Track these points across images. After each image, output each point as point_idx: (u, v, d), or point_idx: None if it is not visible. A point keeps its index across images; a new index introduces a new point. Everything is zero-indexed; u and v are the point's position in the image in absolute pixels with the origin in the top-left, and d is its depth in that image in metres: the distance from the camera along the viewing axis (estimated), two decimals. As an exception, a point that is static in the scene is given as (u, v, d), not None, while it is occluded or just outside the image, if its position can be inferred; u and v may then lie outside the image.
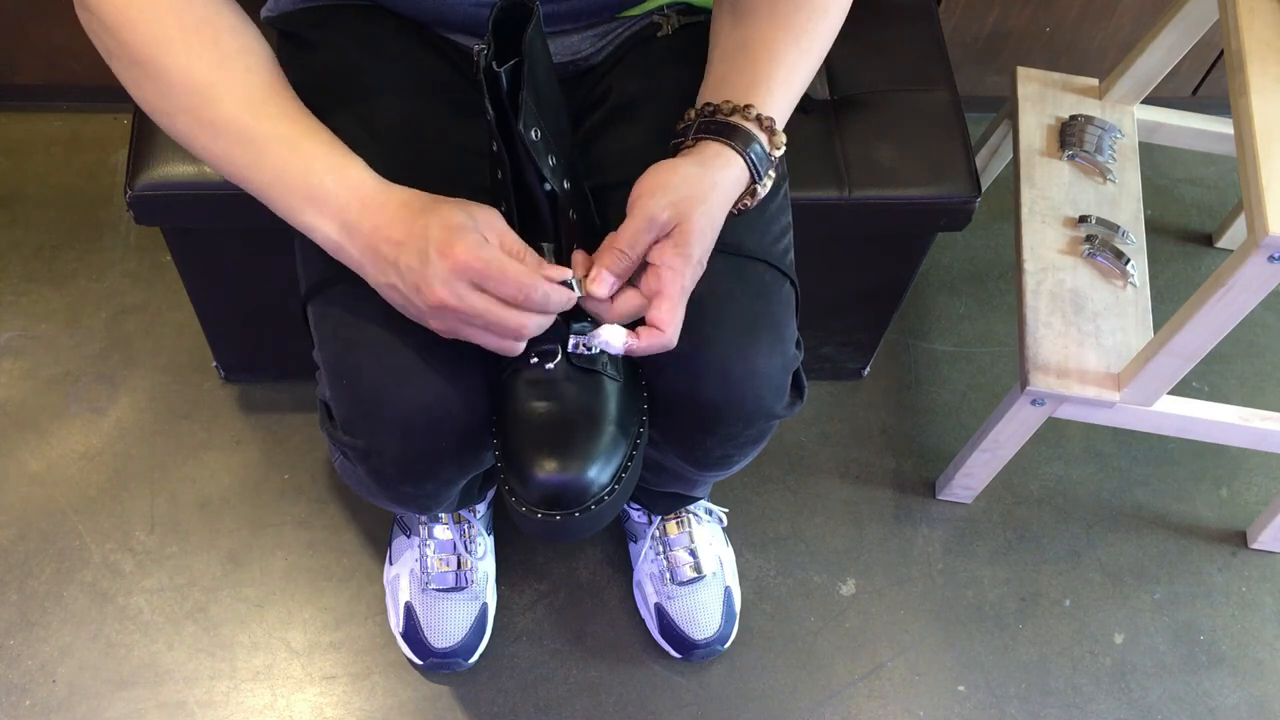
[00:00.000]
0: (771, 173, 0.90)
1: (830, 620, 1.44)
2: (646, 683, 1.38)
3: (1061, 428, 1.59)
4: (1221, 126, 1.49)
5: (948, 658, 1.43)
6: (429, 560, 1.33)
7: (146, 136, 1.18)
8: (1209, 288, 1.11)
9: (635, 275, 0.83)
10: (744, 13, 0.90)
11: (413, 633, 1.34)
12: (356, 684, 1.36)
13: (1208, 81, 1.76)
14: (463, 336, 0.81)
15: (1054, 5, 1.61)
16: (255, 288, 1.35)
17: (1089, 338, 1.30)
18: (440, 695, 1.36)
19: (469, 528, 1.34)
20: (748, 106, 0.86)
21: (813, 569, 1.47)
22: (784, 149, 0.89)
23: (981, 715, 1.40)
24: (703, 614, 1.36)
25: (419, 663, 1.35)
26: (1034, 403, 1.30)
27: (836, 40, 0.93)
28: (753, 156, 0.86)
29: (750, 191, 0.88)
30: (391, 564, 1.39)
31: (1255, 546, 1.53)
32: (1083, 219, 1.37)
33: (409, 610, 1.34)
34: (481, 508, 1.36)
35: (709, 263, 0.85)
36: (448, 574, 1.33)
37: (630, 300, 0.82)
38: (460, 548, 1.34)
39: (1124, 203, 1.40)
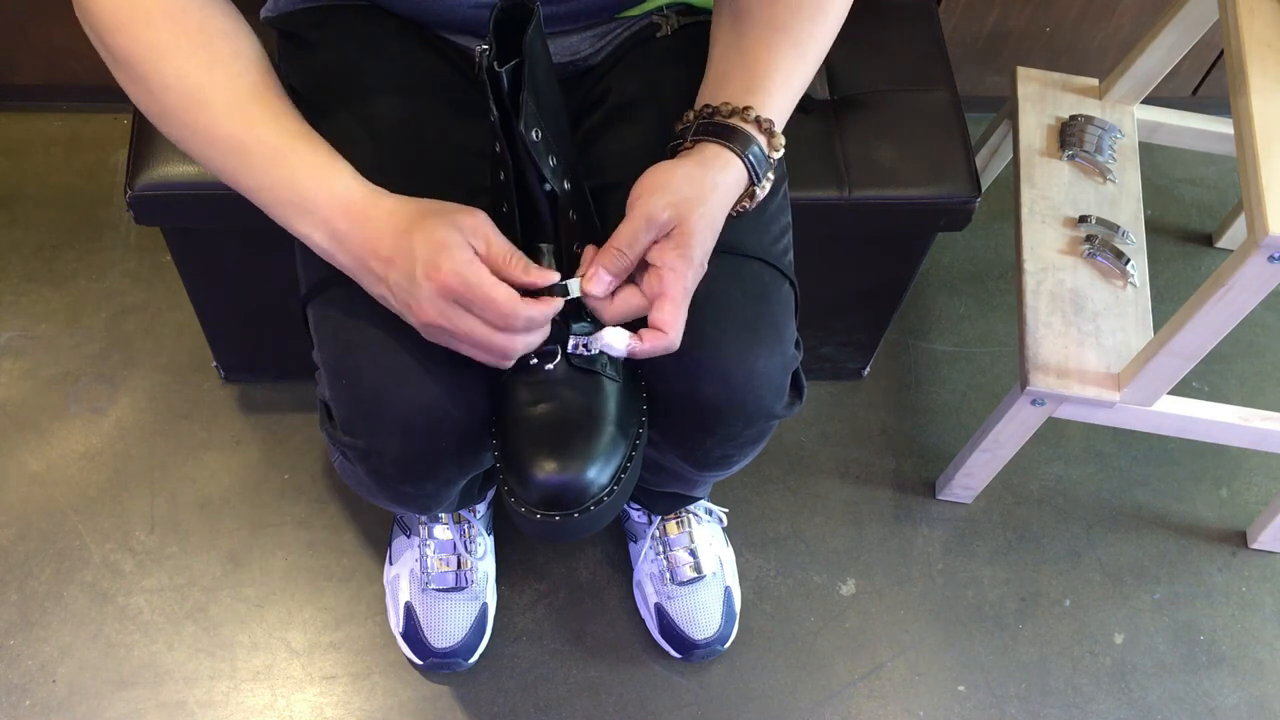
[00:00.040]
0: (770, 174, 0.90)
1: (830, 620, 1.44)
2: (646, 683, 1.38)
3: (1061, 428, 1.59)
4: (1221, 126, 1.49)
5: (948, 658, 1.43)
6: (429, 560, 1.33)
7: (146, 136, 1.18)
8: (1209, 288, 1.11)
9: (636, 276, 0.83)
10: (743, 14, 0.90)
11: (413, 633, 1.34)
12: (356, 684, 1.36)
13: (1208, 81, 1.76)
14: (455, 348, 0.81)
15: (1054, 5, 1.61)
16: (255, 288, 1.35)
17: (1089, 338, 1.30)
18: (440, 695, 1.36)
19: (469, 528, 1.34)
20: (746, 108, 0.86)
21: (813, 569, 1.47)
22: (783, 151, 0.89)
23: (981, 715, 1.40)
24: (703, 614, 1.36)
25: (419, 663, 1.35)
26: (1034, 403, 1.30)
27: (836, 40, 0.93)
28: (751, 158, 0.86)
29: (749, 193, 0.88)
30: (391, 564, 1.39)
31: (1255, 546, 1.53)
32: (1083, 219, 1.37)
33: (409, 610, 1.34)
34: (481, 508, 1.36)
35: (709, 263, 0.85)
36: (448, 574, 1.33)
37: (630, 300, 0.82)
38: (460, 548, 1.34)
39: (1124, 203, 1.40)
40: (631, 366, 0.90)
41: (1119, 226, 1.37)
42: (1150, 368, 1.22)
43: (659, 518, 1.37)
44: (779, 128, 0.88)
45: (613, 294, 0.83)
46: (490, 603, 1.38)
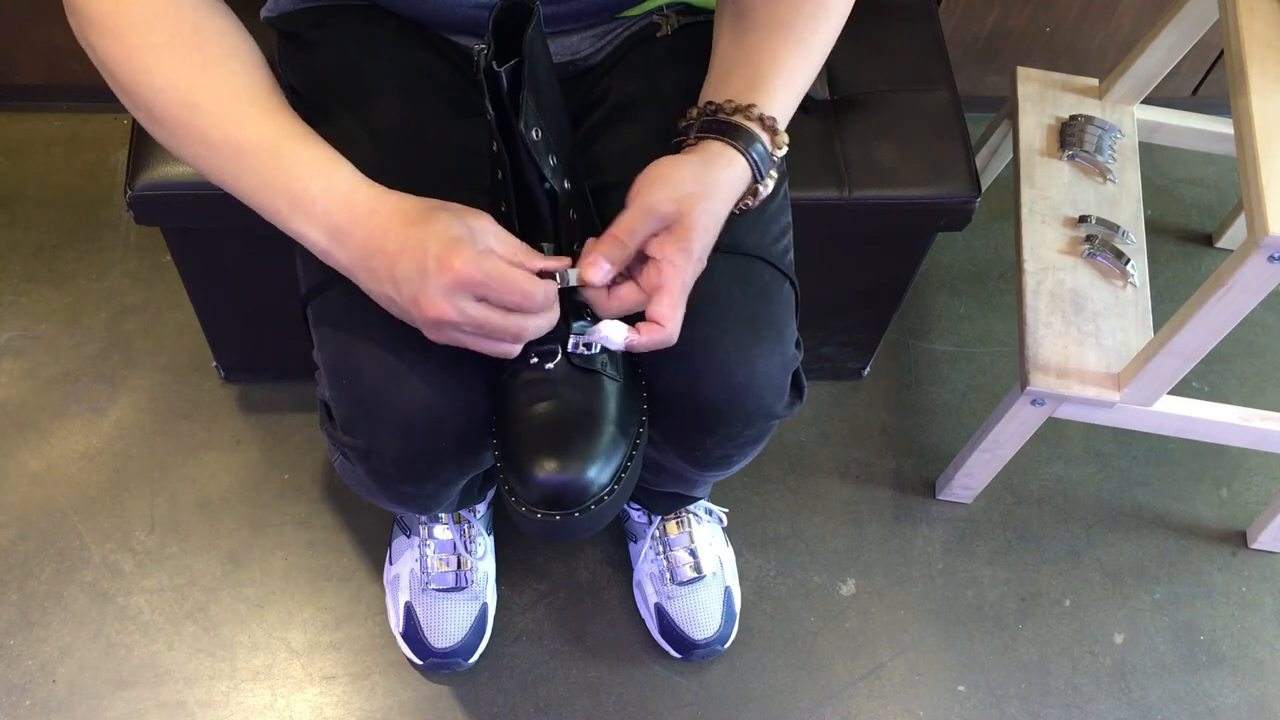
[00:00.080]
0: (774, 173, 0.90)
1: (830, 620, 1.44)
2: (646, 683, 1.38)
3: (1061, 428, 1.59)
4: (1221, 126, 1.49)
5: (948, 658, 1.43)
6: (429, 560, 1.33)
7: (147, 137, 1.17)
8: (1209, 288, 1.11)
9: (634, 271, 0.83)
10: (745, 12, 0.90)
11: (413, 633, 1.34)
12: (356, 684, 1.36)
13: (1208, 81, 1.76)
14: (458, 344, 0.80)
15: (1054, 5, 1.61)
16: (255, 288, 1.35)
17: (1089, 338, 1.30)
18: (440, 695, 1.36)
19: (469, 528, 1.34)
20: (750, 106, 0.86)
21: (813, 569, 1.47)
22: (786, 149, 0.89)
23: (981, 715, 1.40)
24: (703, 614, 1.36)
25: (419, 663, 1.35)
26: (1034, 403, 1.30)
27: (836, 40, 0.93)
28: (755, 156, 0.86)
29: (752, 191, 0.88)
30: (391, 564, 1.39)
31: (1255, 546, 1.53)
32: (1083, 219, 1.37)
33: (409, 610, 1.34)
34: (481, 508, 1.36)
35: (709, 262, 0.85)
36: (448, 574, 1.33)
37: (629, 295, 0.82)
38: (460, 548, 1.34)
39: (1124, 203, 1.40)
40: (632, 366, 0.91)
41: (1119, 226, 1.37)
42: (1150, 368, 1.22)
43: (659, 518, 1.37)
44: (782, 125, 0.88)
45: (610, 287, 0.82)
46: (490, 603, 1.38)
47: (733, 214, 0.88)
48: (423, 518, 1.33)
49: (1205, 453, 1.60)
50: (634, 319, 0.82)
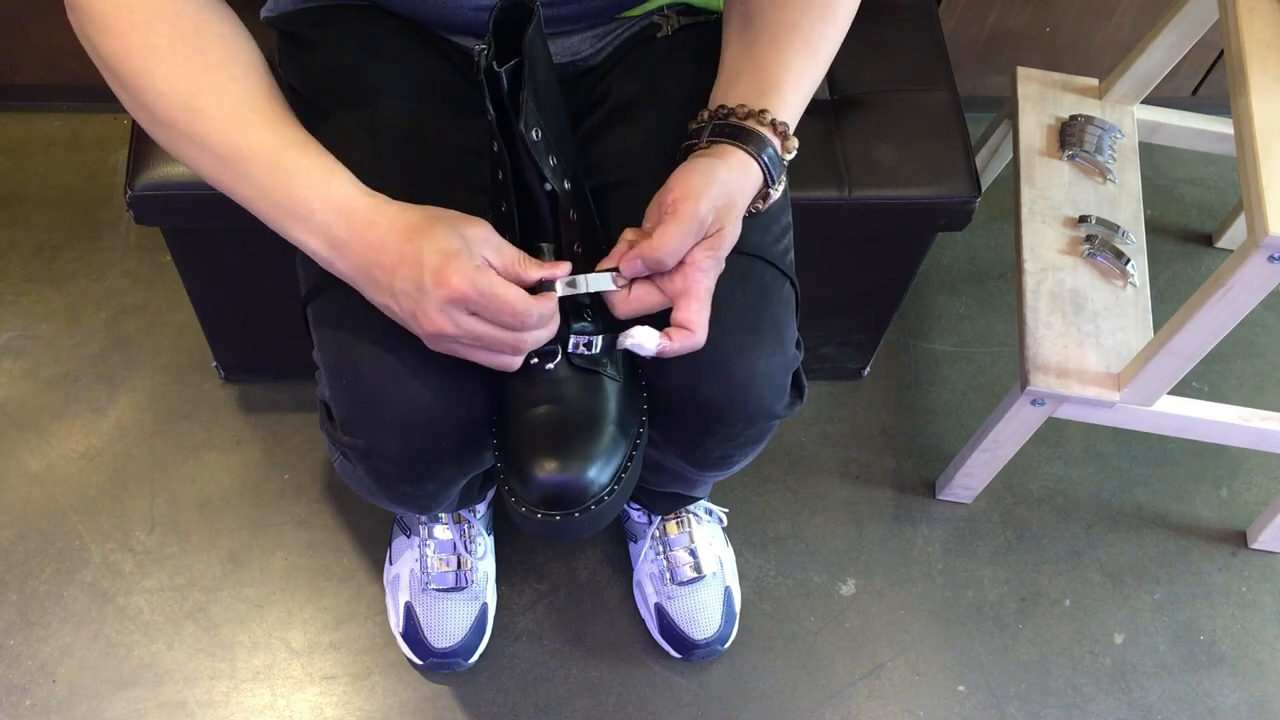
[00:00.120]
0: (783, 177, 0.90)
1: (830, 620, 1.44)
2: (646, 683, 1.38)
3: (1061, 428, 1.59)
4: (1221, 126, 1.49)
5: (948, 658, 1.43)
6: (429, 560, 1.33)
7: (146, 137, 1.17)
8: (1209, 288, 1.11)
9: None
10: (754, 14, 0.90)
11: (413, 633, 1.34)
12: (356, 684, 1.36)
13: (1208, 81, 1.76)
14: (458, 355, 0.81)
15: (1054, 5, 1.61)
16: (255, 288, 1.35)
17: (1089, 338, 1.30)
18: (440, 695, 1.36)
19: (469, 528, 1.34)
20: (763, 111, 0.86)
21: (813, 569, 1.47)
22: (795, 153, 0.89)
23: (981, 715, 1.40)
24: (703, 614, 1.36)
25: (419, 663, 1.35)
26: (1034, 403, 1.30)
27: (838, 41, 0.93)
28: (767, 160, 0.86)
29: (763, 195, 0.89)
30: (391, 564, 1.39)
31: (1255, 546, 1.53)
32: (1083, 219, 1.37)
33: (409, 610, 1.34)
34: (481, 508, 1.36)
35: (708, 263, 0.85)
36: (448, 574, 1.33)
37: (646, 297, 0.82)
38: (460, 548, 1.34)
39: (1124, 203, 1.40)
40: (632, 366, 0.91)
41: (1119, 226, 1.37)
42: (1150, 368, 1.22)
43: (659, 518, 1.37)
44: (792, 129, 0.88)
45: (628, 287, 0.83)
46: (490, 603, 1.38)
47: (744, 216, 0.88)
48: (423, 518, 1.33)
49: (1205, 453, 1.60)
50: (646, 320, 0.83)
